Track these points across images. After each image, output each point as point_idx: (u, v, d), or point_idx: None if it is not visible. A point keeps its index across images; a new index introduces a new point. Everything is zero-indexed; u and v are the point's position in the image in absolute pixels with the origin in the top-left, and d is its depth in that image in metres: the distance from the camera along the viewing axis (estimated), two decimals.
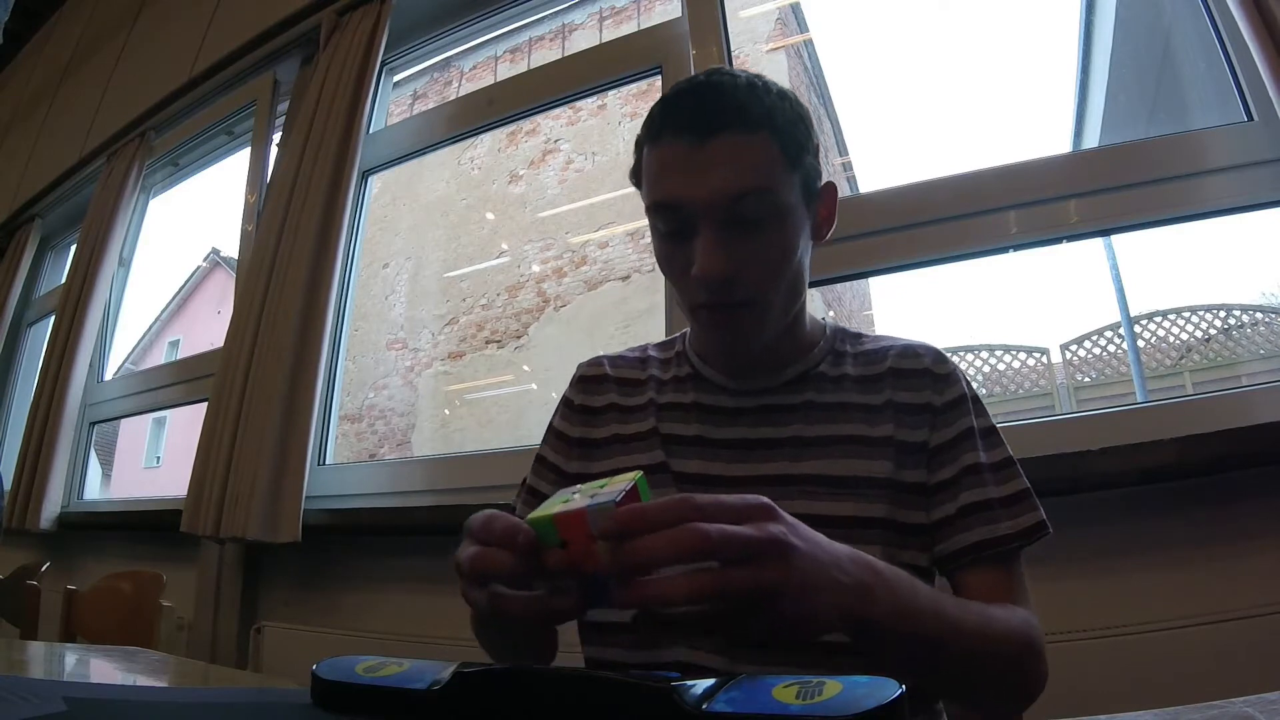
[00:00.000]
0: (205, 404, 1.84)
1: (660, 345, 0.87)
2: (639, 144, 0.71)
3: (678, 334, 0.86)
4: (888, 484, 0.68)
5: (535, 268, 7.50)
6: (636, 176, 0.72)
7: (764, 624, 0.43)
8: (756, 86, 0.66)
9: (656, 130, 0.67)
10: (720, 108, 0.64)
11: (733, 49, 1.56)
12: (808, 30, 7.80)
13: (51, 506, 2.28)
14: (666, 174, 0.66)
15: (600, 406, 0.82)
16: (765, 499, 0.45)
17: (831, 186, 0.72)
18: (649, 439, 0.76)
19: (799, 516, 0.47)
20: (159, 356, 10.20)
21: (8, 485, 2.33)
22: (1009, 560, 0.67)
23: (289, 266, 1.75)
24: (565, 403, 0.85)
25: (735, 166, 0.63)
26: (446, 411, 7.97)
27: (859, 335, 0.79)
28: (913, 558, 0.67)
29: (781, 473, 0.69)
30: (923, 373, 0.73)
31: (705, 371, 0.78)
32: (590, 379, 0.85)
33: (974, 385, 0.75)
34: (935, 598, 0.54)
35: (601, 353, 0.87)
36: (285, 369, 1.66)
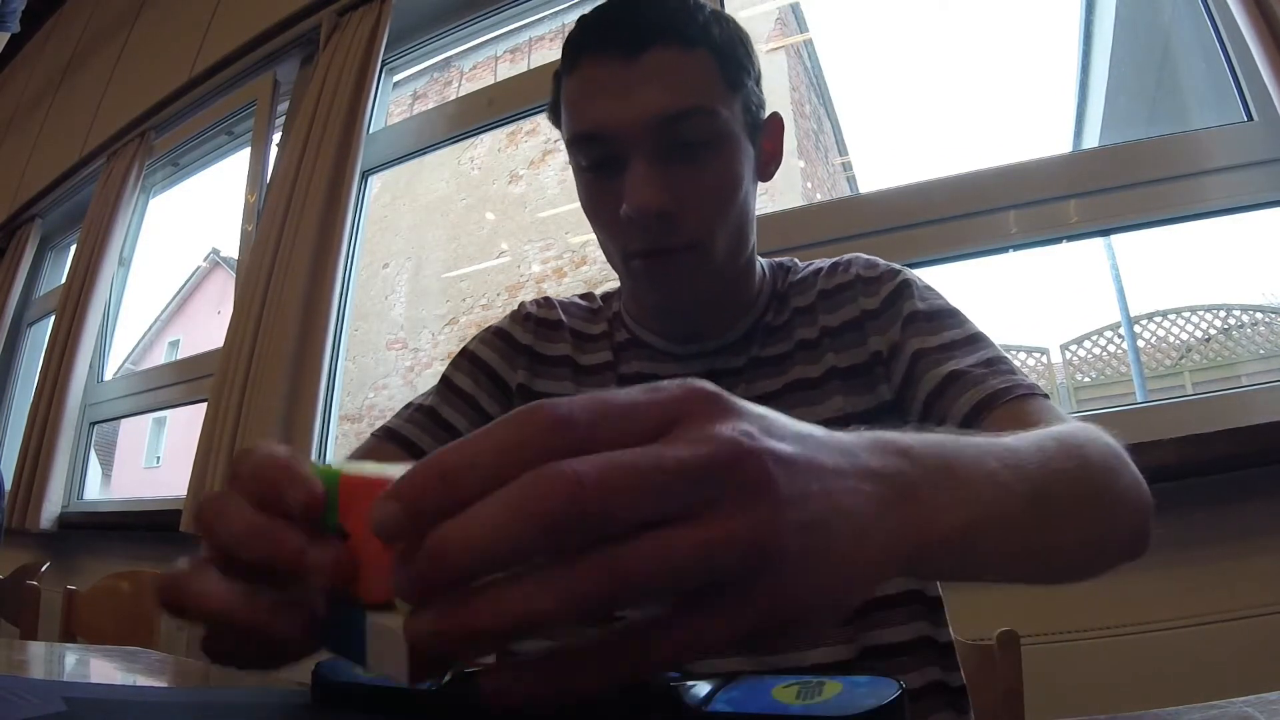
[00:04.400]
0: (205, 404, 1.84)
1: (605, 298, 0.75)
2: (557, 76, 0.62)
3: (614, 290, 0.74)
4: (842, 421, 0.58)
5: (535, 268, 7.50)
6: (555, 113, 0.63)
7: (742, 629, 0.22)
8: (689, 2, 0.58)
9: (576, 52, 0.58)
10: (651, 20, 0.56)
11: None
12: (808, 30, 7.79)
13: (51, 506, 2.28)
14: (589, 98, 0.57)
15: (554, 356, 0.69)
16: (696, 380, 0.24)
17: (777, 118, 0.64)
18: None
19: None
20: (159, 356, 10.21)
21: (8, 485, 2.33)
22: (1027, 406, 0.52)
23: (289, 266, 1.75)
24: (501, 335, 0.71)
25: (670, 84, 0.55)
26: None
27: (790, 267, 0.70)
28: None
29: None
30: (852, 282, 0.64)
31: (644, 336, 0.67)
32: (545, 322, 0.71)
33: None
34: (998, 450, 0.33)
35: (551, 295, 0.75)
36: (286, 368, 1.66)
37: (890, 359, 0.61)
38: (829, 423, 0.56)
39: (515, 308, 0.75)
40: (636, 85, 0.55)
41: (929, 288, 0.64)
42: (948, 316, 0.61)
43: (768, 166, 0.64)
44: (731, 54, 0.58)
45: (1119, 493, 0.42)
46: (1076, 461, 0.38)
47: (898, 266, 0.65)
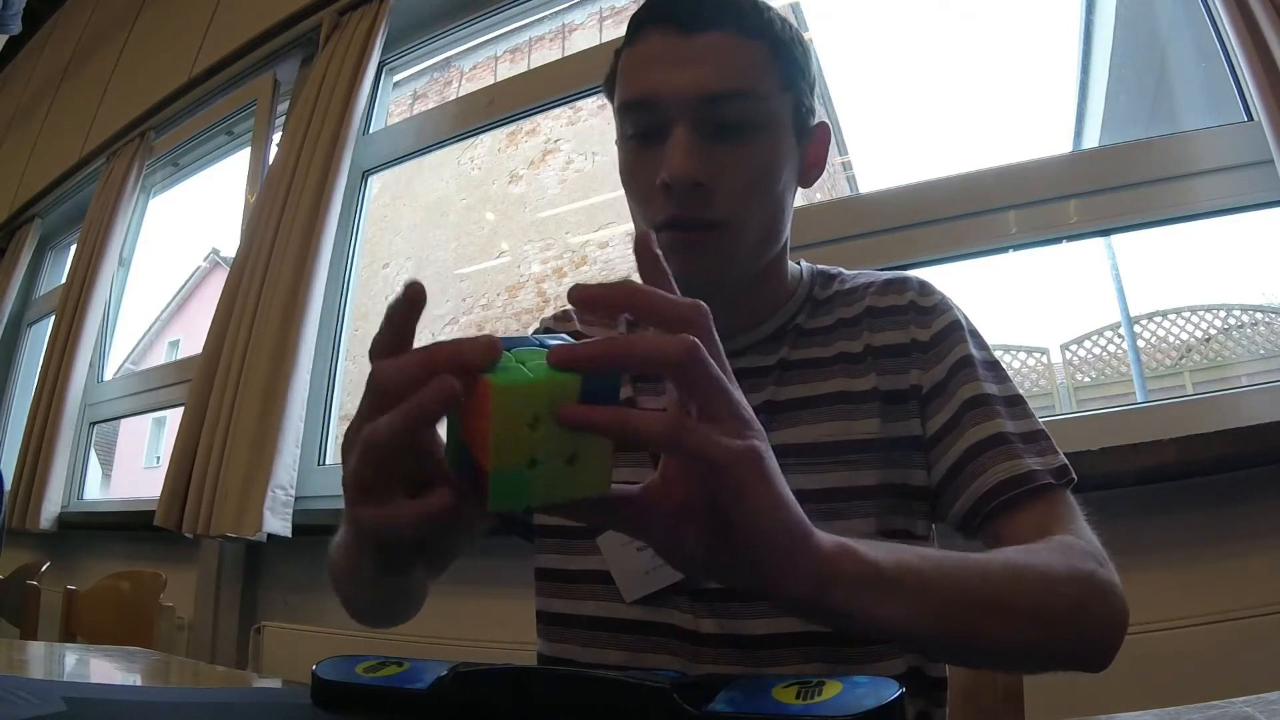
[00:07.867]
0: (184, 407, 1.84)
1: None
2: (618, 51, 0.64)
3: None
4: (876, 444, 0.59)
5: (535, 268, 7.49)
6: (611, 84, 0.64)
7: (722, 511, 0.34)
8: (758, 1, 0.60)
9: (638, 25, 0.61)
10: (713, 4, 0.58)
11: None
12: (808, 30, 7.80)
13: (51, 506, 2.28)
14: (643, 67, 0.59)
15: None
16: (759, 443, 0.36)
17: (825, 127, 0.65)
18: None
19: None
20: (159, 356, 10.19)
21: (8, 485, 2.32)
22: (1047, 499, 0.55)
23: (274, 264, 1.75)
24: None
25: (721, 64, 0.57)
26: None
27: (837, 275, 0.70)
28: (908, 524, 0.59)
29: None
30: (905, 307, 0.64)
31: None
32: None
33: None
34: (922, 551, 0.42)
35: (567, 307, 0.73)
36: (263, 364, 1.66)
37: (931, 397, 0.61)
38: (862, 441, 0.59)
39: (535, 326, 0.76)
40: (689, 61, 0.57)
41: (976, 332, 0.64)
42: (995, 369, 0.62)
43: (810, 173, 0.65)
44: (788, 52, 0.60)
45: (1054, 620, 0.46)
46: (1014, 577, 0.45)
47: (949, 300, 0.65)
